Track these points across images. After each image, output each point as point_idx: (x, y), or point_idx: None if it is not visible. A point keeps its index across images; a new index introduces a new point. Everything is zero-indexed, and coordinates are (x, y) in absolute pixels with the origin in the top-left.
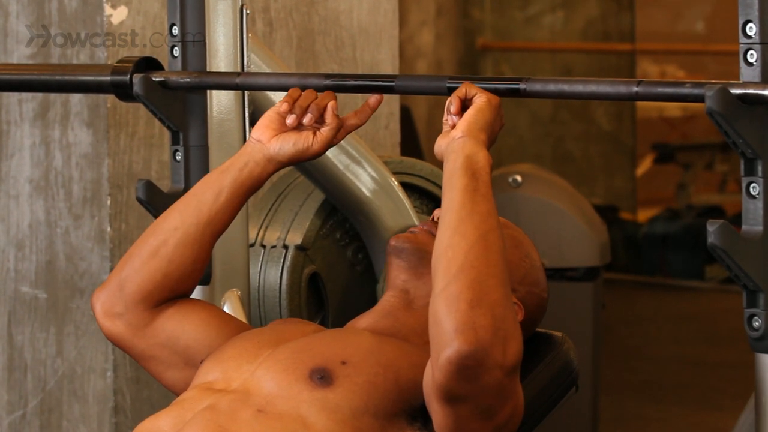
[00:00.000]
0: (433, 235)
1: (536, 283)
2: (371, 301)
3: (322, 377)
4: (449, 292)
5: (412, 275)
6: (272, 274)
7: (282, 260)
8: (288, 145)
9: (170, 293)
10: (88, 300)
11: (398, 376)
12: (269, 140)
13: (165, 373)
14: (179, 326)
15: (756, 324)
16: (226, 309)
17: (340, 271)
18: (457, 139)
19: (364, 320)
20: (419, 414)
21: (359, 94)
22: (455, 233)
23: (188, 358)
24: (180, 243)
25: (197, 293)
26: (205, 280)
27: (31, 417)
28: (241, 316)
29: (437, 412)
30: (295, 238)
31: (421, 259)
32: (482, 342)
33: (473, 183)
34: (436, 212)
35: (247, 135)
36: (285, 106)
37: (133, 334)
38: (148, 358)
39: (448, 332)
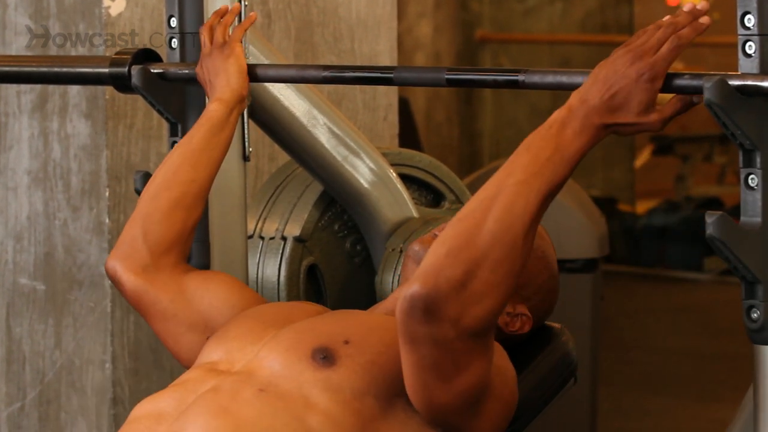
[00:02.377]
0: None
1: (551, 291)
2: (370, 292)
3: (324, 357)
4: (444, 234)
5: None
6: (270, 266)
7: (280, 252)
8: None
9: (184, 246)
10: (86, 292)
11: (399, 356)
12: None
13: (183, 336)
14: (203, 284)
15: (754, 315)
16: None
17: (339, 263)
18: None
19: (379, 310)
20: None
21: (358, 86)
22: (492, 181)
23: (209, 319)
24: (198, 195)
25: None
26: None
27: (29, 409)
28: None
29: (401, 349)
30: (294, 230)
31: None
32: (439, 291)
33: (529, 140)
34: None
35: (246, 126)
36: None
37: (159, 287)
38: (170, 317)
39: (419, 270)
